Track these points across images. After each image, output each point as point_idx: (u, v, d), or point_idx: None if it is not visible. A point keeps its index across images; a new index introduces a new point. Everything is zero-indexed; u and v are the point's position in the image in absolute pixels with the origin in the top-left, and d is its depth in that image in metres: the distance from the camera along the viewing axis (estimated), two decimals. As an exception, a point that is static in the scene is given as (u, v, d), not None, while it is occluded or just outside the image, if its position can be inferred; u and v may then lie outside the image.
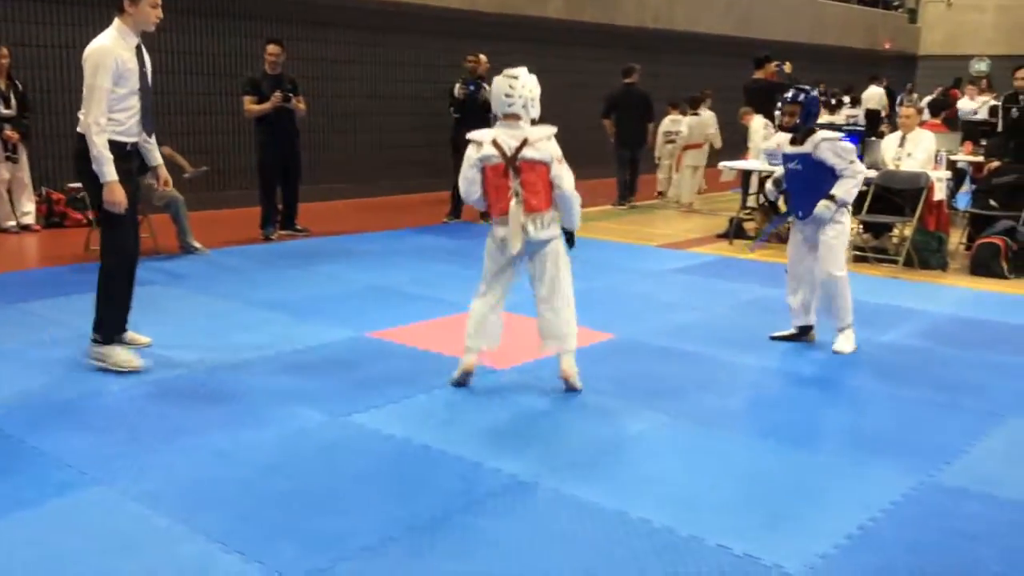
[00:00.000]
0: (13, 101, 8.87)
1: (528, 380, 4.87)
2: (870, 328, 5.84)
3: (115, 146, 4.71)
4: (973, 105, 13.58)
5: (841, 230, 5.47)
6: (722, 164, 10.83)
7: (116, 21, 4.74)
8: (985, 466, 3.91)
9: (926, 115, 13.71)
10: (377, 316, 6.11)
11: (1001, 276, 7.83)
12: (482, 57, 10.41)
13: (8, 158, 8.95)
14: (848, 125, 11.23)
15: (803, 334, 5.70)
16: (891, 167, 8.55)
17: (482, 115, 10.07)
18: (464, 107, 10.18)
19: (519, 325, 5.10)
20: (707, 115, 12.80)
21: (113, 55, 4.62)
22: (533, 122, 4.56)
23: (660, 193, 13.10)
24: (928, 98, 17.91)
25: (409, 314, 6.19)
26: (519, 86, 4.50)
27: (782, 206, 9.46)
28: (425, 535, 3.19)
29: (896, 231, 8.79)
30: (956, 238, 9.06)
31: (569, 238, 4.72)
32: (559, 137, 4.57)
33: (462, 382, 4.75)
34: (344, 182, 12.35)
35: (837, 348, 5.49)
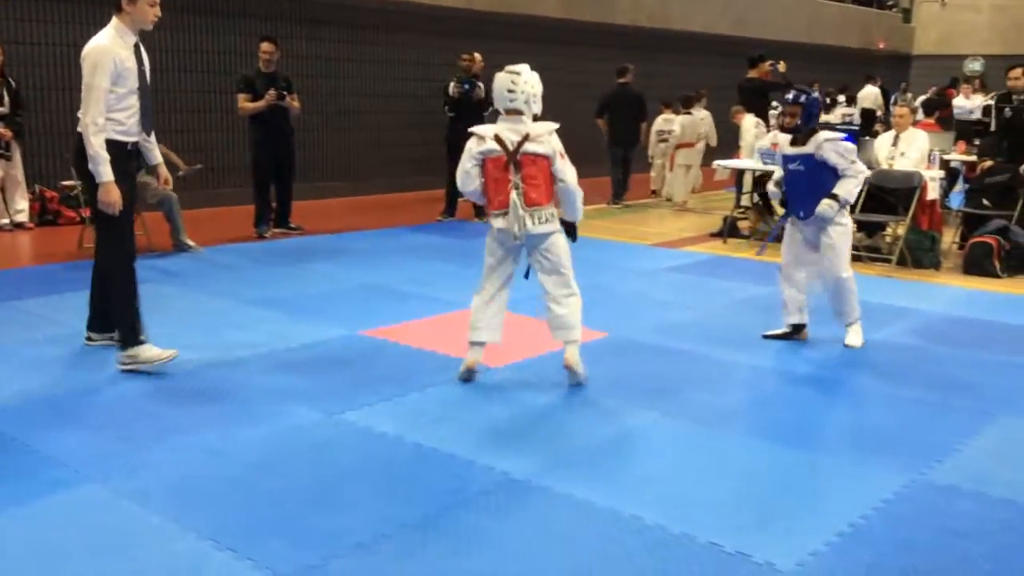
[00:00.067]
0: (6, 99, 8.85)
1: (522, 378, 4.87)
2: (863, 327, 5.85)
3: (116, 146, 4.69)
4: (969, 104, 13.60)
5: (843, 231, 5.52)
6: (716, 163, 10.85)
7: (114, 20, 4.71)
8: (977, 464, 3.93)
9: (920, 115, 13.75)
10: (371, 314, 6.11)
11: (994, 275, 7.85)
12: (477, 56, 10.41)
13: (1, 156, 8.92)
14: (842, 124, 11.26)
15: (796, 332, 5.72)
16: (884, 166, 8.57)
17: (477, 113, 10.10)
18: (459, 105, 10.18)
19: (513, 322, 5.10)
20: (703, 114, 12.84)
21: (112, 54, 4.59)
22: (535, 118, 4.60)
23: (654, 192, 13.12)
24: (922, 97, 17.96)
25: (403, 312, 6.19)
26: (521, 82, 4.54)
27: (777, 206, 9.50)
28: (417, 533, 3.19)
29: (889, 230, 8.82)
30: (949, 237, 9.09)
31: (571, 231, 4.76)
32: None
33: (467, 378, 4.78)
34: (338, 180, 12.35)
35: (848, 343, 5.59)
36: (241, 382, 4.73)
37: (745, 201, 10.11)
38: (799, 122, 5.49)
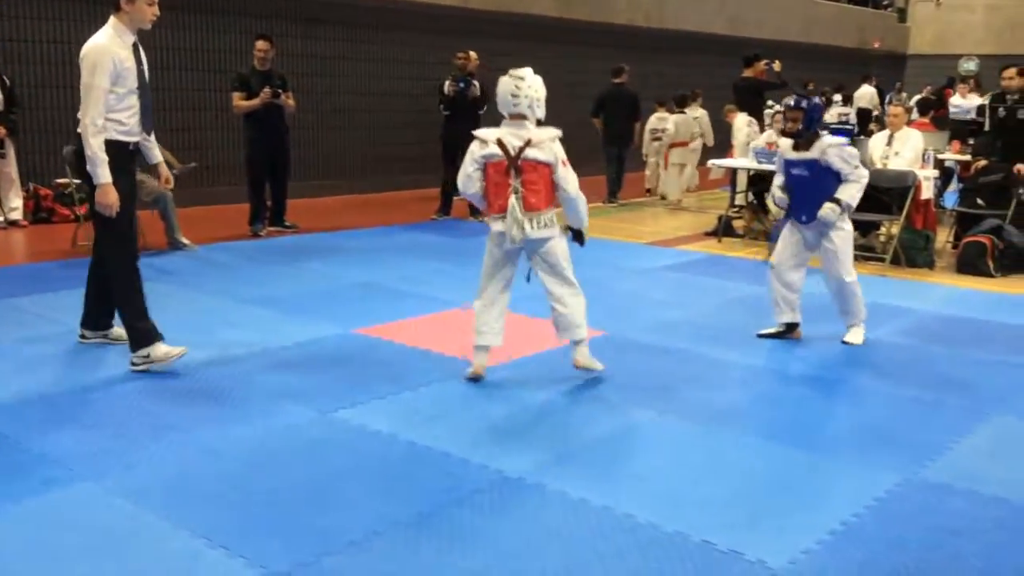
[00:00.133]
0: (0, 96, 8.83)
1: (516, 376, 4.88)
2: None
3: (118, 146, 4.68)
4: (966, 104, 13.61)
5: (845, 235, 5.57)
6: (711, 162, 10.87)
7: (112, 19, 4.67)
8: (970, 463, 3.94)
9: (915, 114, 13.77)
10: (365, 313, 6.11)
11: (987, 275, 7.87)
12: (472, 54, 10.41)
13: (-5, 153, 8.91)
14: (837, 124, 11.27)
15: (790, 331, 5.73)
16: (879, 166, 8.59)
17: (472, 112, 10.11)
18: (454, 104, 10.17)
19: (508, 321, 5.09)
20: (698, 113, 12.87)
21: (111, 54, 4.56)
22: (539, 122, 4.61)
23: (649, 191, 13.14)
24: (917, 97, 17.97)
25: (397, 311, 6.19)
26: (525, 86, 4.54)
27: (772, 207, 9.51)
28: (410, 531, 3.20)
29: (883, 229, 8.83)
30: (943, 236, 9.11)
31: (578, 236, 4.79)
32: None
33: (475, 381, 4.77)
34: (333, 178, 12.33)
35: (848, 339, 5.65)
36: (236, 380, 4.72)
37: (740, 200, 10.12)
38: (801, 127, 5.52)
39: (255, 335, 5.50)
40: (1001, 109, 8.92)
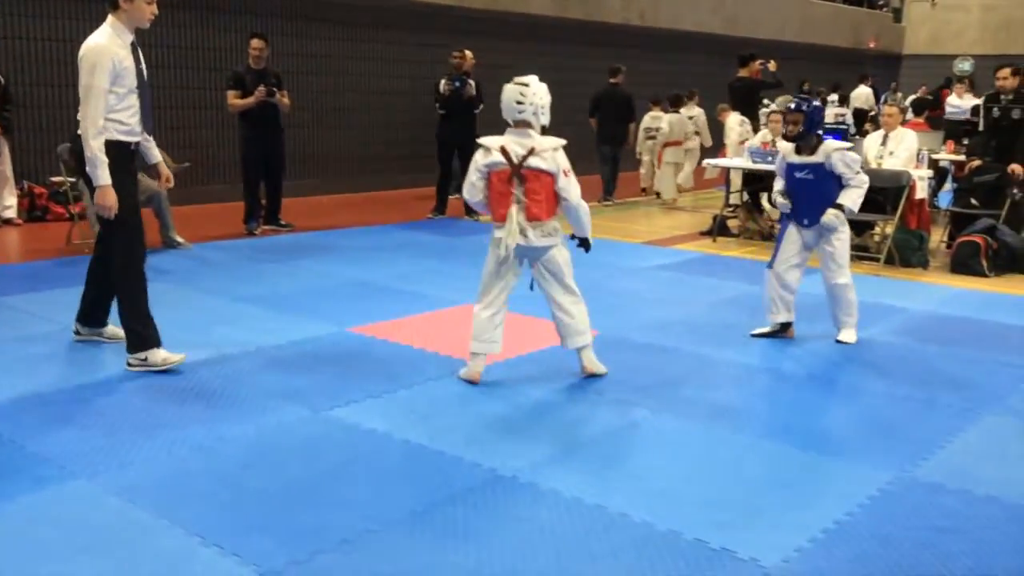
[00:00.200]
0: (-5, 94, 8.83)
1: (511, 375, 4.88)
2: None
3: (120, 146, 4.66)
4: (963, 104, 13.64)
5: (844, 239, 5.64)
6: (706, 162, 10.89)
7: (110, 18, 4.64)
8: (961, 461, 3.95)
9: (909, 114, 13.79)
10: (360, 311, 6.11)
11: (981, 274, 7.89)
12: (468, 53, 10.41)
13: (-10, 151, 8.90)
14: (833, 124, 11.30)
15: (783, 330, 5.75)
16: (873, 165, 8.60)
17: (467, 111, 10.12)
18: (449, 103, 10.18)
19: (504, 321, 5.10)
20: (695, 112, 12.89)
21: (110, 54, 4.53)
22: (543, 130, 4.61)
23: (643, 190, 13.16)
24: (912, 97, 18.01)
25: (392, 310, 6.19)
26: (530, 94, 4.54)
27: (767, 207, 9.53)
28: (404, 529, 3.20)
29: (878, 229, 8.85)
30: (937, 236, 9.13)
31: (584, 243, 4.80)
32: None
33: (469, 384, 4.76)
34: (328, 177, 12.33)
35: (842, 339, 5.68)
36: (230, 379, 4.72)
37: (734, 200, 10.14)
38: (801, 130, 5.55)
39: (249, 334, 5.50)
40: (995, 109, 8.94)
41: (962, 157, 9.81)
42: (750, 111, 11.39)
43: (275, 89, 8.89)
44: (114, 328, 5.18)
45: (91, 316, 5.21)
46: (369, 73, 12.76)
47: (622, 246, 9.06)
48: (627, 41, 15.92)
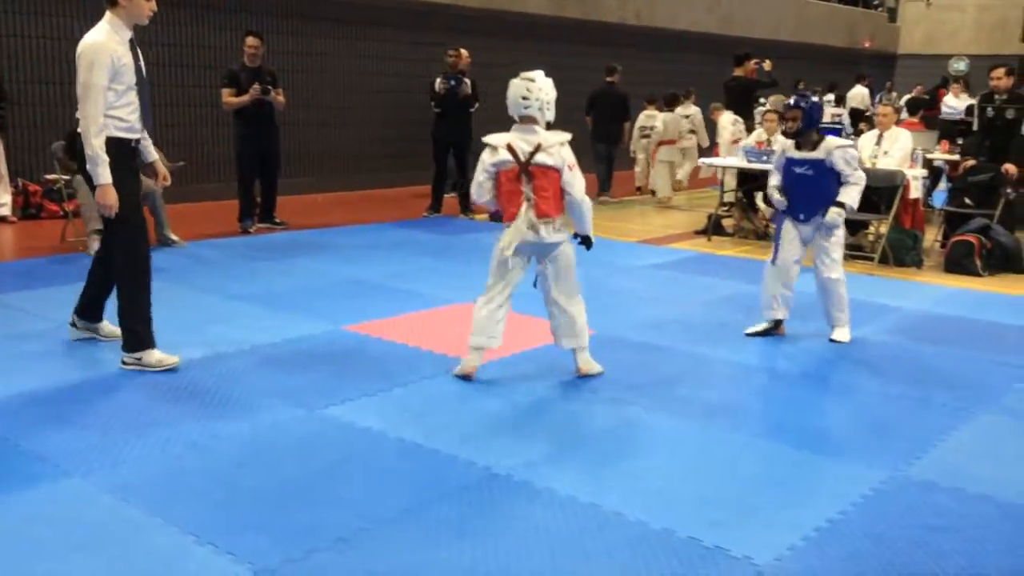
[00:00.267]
0: (-11, 91, 8.81)
1: (506, 374, 4.88)
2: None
3: (121, 143, 4.64)
4: (959, 104, 13.66)
5: (839, 236, 5.69)
6: (701, 160, 10.90)
7: (108, 15, 4.62)
8: (955, 460, 3.96)
9: (904, 114, 13.81)
10: (355, 310, 6.11)
11: (975, 274, 7.91)
12: (463, 52, 10.40)
13: (-16, 149, 8.88)
14: (828, 124, 11.31)
15: (775, 327, 5.78)
16: (868, 165, 8.61)
17: (463, 109, 10.12)
18: (444, 102, 10.17)
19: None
20: (691, 111, 12.91)
21: (108, 51, 4.51)
22: (548, 125, 4.60)
23: (639, 188, 13.17)
24: (907, 96, 18.03)
25: (387, 308, 6.19)
26: (536, 89, 4.53)
27: (762, 206, 9.54)
28: (398, 527, 3.20)
29: (872, 228, 8.87)
30: (931, 236, 9.15)
31: (586, 241, 4.80)
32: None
33: (464, 380, 4.76)
34: (323, 175, 12.32)
35: (836, 338, 5.71)
36: (224, 377, 4.72)
37: (729, 198, 10.15)
38: (800, 126, 5.58)
39: (244, 332, 5.49)
40: (990, 109, 8.97)
41: (956, 157, 9.83)
42: (745, 110, 11.41)
43: (270, 87, 8.88)
44: (110, 326, 5.18)
45: (88, 311, 5.20)
46: (365, 71, 12.75)
47: (617, 245, 9.07)
48: (623, 40, 15.93)
